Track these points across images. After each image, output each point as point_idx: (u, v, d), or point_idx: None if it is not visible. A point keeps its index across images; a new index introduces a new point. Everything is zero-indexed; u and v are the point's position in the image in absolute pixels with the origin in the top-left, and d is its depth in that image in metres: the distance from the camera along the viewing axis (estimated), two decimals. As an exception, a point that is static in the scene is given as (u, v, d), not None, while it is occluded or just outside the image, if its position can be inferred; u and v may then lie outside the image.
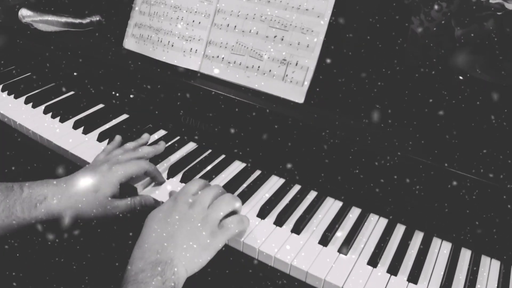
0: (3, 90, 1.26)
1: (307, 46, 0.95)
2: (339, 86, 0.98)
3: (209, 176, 0.97)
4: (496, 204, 0.79)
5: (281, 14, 0.97)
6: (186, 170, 0.98)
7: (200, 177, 0.96)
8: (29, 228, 0.83)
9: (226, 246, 0.85)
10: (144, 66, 1.10)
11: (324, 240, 0.84)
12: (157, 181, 0.95)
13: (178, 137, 1.10)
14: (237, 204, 0.83)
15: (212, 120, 1.03)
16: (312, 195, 0.95)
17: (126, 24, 1.15)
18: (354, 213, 0.92)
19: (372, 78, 0.99)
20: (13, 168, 1.25)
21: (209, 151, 1.06)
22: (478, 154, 0.83)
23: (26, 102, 1.20)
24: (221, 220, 0.80)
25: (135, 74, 1.11)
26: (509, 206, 0.79)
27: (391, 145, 0.86)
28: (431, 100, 0.96)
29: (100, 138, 1.07)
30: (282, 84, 0.97)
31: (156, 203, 0.90)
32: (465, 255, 0.84)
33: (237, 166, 1.02)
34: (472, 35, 0.94)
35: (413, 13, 1.11)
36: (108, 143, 1.03)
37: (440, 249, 0.85)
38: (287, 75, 0.97)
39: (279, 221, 0.87)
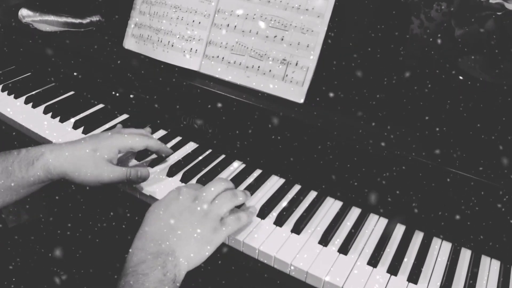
0: (3, 90, 1.26)
1: (307, 46, 0.95)
2: (339, 86, 0.98)
3: (209, 176, 0.97)
4: (496, 204, 0.79)
5: (281, 14, 0.97)
6: (186, 170, 0.98)
7: (200, 177, 0.96)
8: (28, 190, 0.83)
9: (226, 246, 0.85)
10: (144, 66, 1.10)
11: (324, 240, 0.84)
12: (164, 154, 0.97)
13: (178, 137, 1.10)
14: (241, 198, 0.83)
15: (212, 120, 1.03)
16: (312, 195, 0.95)
17: (126, 24, 1.15)
18: (354, 213, 0.92)
19: (372, 78, 0.99)
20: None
21: (209, 151, 1.06)
22: (478, 154, 0.83)
23: (26, 102, 1.20)
24: (222, 219, 0.79)
25: (135, 74, 1.11)
26: (509, 206, 0.79)
27: (391, 145, 0.86)
28: (431, 100, 0.96)
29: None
30: (282, 84, 0.97)
31: (154, 201, 0.90)
32: (465, 255, 0.84)
33: (237, 166, 1.02)
34: (472, 35, 0.94)
35: (413, 13, 1.11)
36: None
37: (440, 249, 0.85)
38: (287, 75, 0.97)
39: (279, 221, 0.87)
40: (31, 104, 1.19)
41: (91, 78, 1.20)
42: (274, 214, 0.89)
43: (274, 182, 0.98)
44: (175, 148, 1.06)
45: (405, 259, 0.82)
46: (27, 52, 1.32)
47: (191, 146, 1.07)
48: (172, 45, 1.07)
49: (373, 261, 0.81)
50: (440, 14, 1.09)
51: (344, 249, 0.83)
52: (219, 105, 1.00)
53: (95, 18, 1.28)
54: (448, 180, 0.81)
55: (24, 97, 1.22)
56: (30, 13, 1.22)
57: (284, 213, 0.89)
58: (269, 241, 0.83)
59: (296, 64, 0.96)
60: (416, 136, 0.88)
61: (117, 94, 1.16)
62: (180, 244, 0.73)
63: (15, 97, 1.22)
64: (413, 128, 0.90)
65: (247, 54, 1.00)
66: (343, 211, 0.91)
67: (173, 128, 1.11)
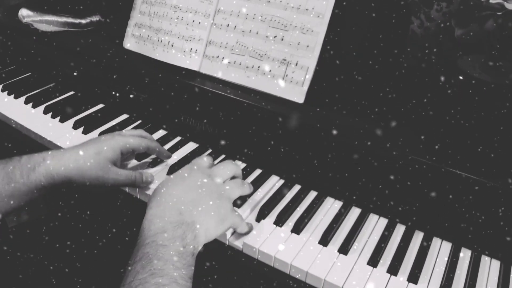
0: (3, 90, 1.26)
1: (307, 46, 0.95)
2: (339, 86, 0.98)
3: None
4: (496, 204, 0.79)
5: (281, 14, 0.97)
6: (186, 170, 0.98)
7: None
8: (30, 196, 0.81)
9: (226, 245, 0.85)
10: (144, 66, 1.10)
11: (324, 240, 0.84)
12: (163, 157, 0.96)
13: (178, 137, 1.10)
14: (246, 190, 0.84)
15: (212, 120, 1.03)
16: (312, 195, 0.95)
17: (126, 24, 1.15)
18: (354, 213, 0.92)
19: (372, 78, 0.99)
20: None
21: (209, 151, 1.06)
22: (478, 154, 0.83)
23: (26, 102, 1.20)
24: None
25: (135, 74, 1.11)
26: (509, 206, 0.79)
27: (391, 145, 0.86)
28: (431, 100, 0.96)
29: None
30: (282, 84, 0.97)
31: None
32: (465, 255, 0.84)
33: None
34: (472, 35, 0.94)
35: (413, 13, 1.11)
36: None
37: (440, 249, 0.85)
38: (287, 75, 0.97)
39: (279, 221, 0.87)
40: (31, 104, 1.19)
41: (91, 78, 1.20)
42: (274, 214, 0.89)
43: (274, 182, 0.98)
44: (175, 148, 1.06)
45: (405, 259, 0.82)
46: (27, 52, 1.32)
47: (191, 146, 1.07)
48: (172, 45, 1.07)
49: (373, 261, 0.81)
50: (440, 14, 1.09)
51: (344, 249, 0.83)
52: (219, 105, 1.00)
53: (95, 18, 1.28)
54: (448, 180, 0.81)
55: (24, 97, 1.22)
56: (30, 13, 1.22)
57: (284, 213, 0.89)
58: (269, 241, 0.83)
59: (296, 64, 0.96)
60: (416, 136, 0.88)
61: (117, 94, 1.16)
62: (201, 216, 0.71)
63: (15, 97, 1.22)
64: (413, 128, 0.90)
65: (247, 54, 1.00)
66: (343, 211, 0.91)
67: (173, 128, 1.11)
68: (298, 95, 0.96)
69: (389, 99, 0.98)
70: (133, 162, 1.00)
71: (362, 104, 0.96)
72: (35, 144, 1.11)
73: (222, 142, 1.04)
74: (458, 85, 0.93)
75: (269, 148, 0.98)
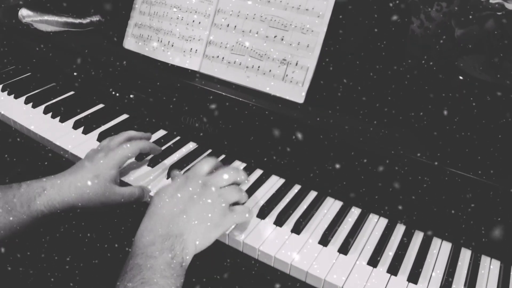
0: (3, 90, 1.26)
1: (307, 46, 0.95)
2: (339, 86, 0.98)
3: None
4: (496, 204, 0.79)
5: (281, 14, 0.97)
6: (186, 170, 0.98)
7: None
8: (31, 225, 0.81)
9: (226, 246, 0.85)
10: (144, 66, 1.10)
11: (324, 240, 0.84)
12: (155, 153, 0.97)
13: (178, 137, 1.10)
14: (245, 197, 0.84)
15: (212, 120, 1.03)
16: (312, 195, 0.95)
17: (126, 24, 1.15)
18: (354, 213, 0.92)
19: (372, 78, 0.99)
20: (17, 169, 1.25)
21: (209, 151, 1.06)
22: (478, 154, 0.83)
23: (26, 102, 1.20)
24: (230, 206, 0.80)
25: (135, 74, 1.11)
26: (509, 206, 0.79)
27: (391, 145, 0.86)
28: (431, 100, 0.96)
29: (100, 138, 1.07)
30: (282, 84, 0.97)
31: None
32: (465, 255, 0.84)
33: (237, 166, 1.02)
34: (472, 35, 0.94)
35: (413, 13, 1.11)
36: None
37: (440, 249, 0.85)
38: (287, 75, 0.97)
39: (279, 221, 0.87)
40: (31, 104, 1.19)
41: (91, 78, 1.20)
42: (274, 214, 0.89)
43: (274, 182, 0.98)
44: (175, 148, 1.06)
45: (405, 259, 0.82)
46: (27, 52, 1.32)
47: (191, 146, 1.07)
48: (172, 45, 1.07)
49: (373, 261, 0.81)
50: (440, 14, 1.09)
51: (344, 249, 0.83)
52: (219, 105, 1.00)
53: (95, 18, 1.28)
54: (448, 180, 0.81)
55: (24, 97, 1.22)
56: (30, 13, 1.22)
57: (284, 213, 0.89)
58: (269, 241, 0.83)
59: (296, 64, 0.96)
60: (416, 136, 0.88)
61: (117, 94, 1.16)
62: (188, 227, 0.73)
63: (15, 97, 1.22)
64: (413, 128, 0.90)
65: (247, 54, 1.00)
66: (343, 211, 0.91)
67: (173, 128, 1.11)
68: (298, 95, 0.96)
69: (389, 99, 0.98)
70: (131, 161, 1.00)
71: (362, 104, 0.96)
72: (35, 144, 1.11)
73: (222, 142, 1.04)
74: (458, 85, 0.93)
75: (269, 148, 0.98)
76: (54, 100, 1.21)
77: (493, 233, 0.81)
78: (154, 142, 1.06)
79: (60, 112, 1.15)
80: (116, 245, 1.04)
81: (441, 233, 0.87)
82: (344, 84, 0.97)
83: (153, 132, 1.10)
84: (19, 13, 1.23)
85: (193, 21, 1.05)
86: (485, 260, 0.83)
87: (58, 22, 1.24)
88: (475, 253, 0.84)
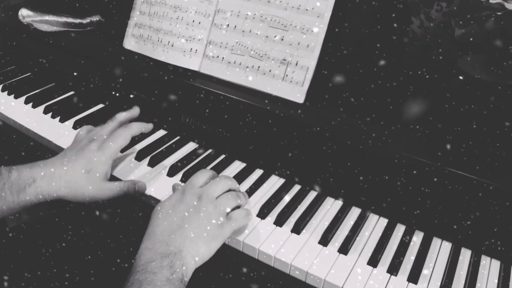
0: (3, 90, 1.26)
1: (307, 46, 0.95)
2: (339, 86, 0.98)
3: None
4: (497, 204, 0.79)
5: (281, 14, 0.97)
6: (186, 170, 0.98)
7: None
8: (19, 212, 0.83)
9: (226, 245, 0.85)
10: (144, 66, 1.10)
11: (324, 240, 0.84)
12: (147, 131, 0.97)
13: (178, 137, 1.10)
14: (243, 200, 0.85)
15: (212, 120, 1.03)
16: (312, 195, 0.95)
17: (126, 24, 1.15)
18: (354, 213, 0.92)
19: (372, 78, 0.99)
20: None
21: (209, 151, 1.06)
22: (478, 154, 0.83)
23: (26, 102, 1.20)
24: (228, 214, 0.80)
25: (135, 74, 1.11)
26: (509, 206, 0.79)
27: (391, 145, 0.86)
28: (431, 100, 0.96)
29: (100, 138, 1.07)
30: (282, 84, 0.97)
31: (155, 202, 0.91)
32: (465, 255, 0.84)
33: (237, 166, 1.02)
34: (472, 35, 0.94)
35: (413, 13, 1.11)
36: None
37: (440, 249, 0.85)
38: (287, 75, 0.97)
39: (279, 221, 0.87)
40: (31, 104, 1.19)
41: (91, 78, 1.20)
42: (274, 214, 0.89)
43: (274, 182, 0.98)
44: (175, 148, 1.06)
45: (405, 259, 0.82)
46: (27, 52, 1.32)
47: (191, 146, 1.07)
48: (172, 45, 1.07)
49: (373, 261, 0.81)
50: (440, 14, 1.09)
51: (344, 249, 0.83)
52: (219, 105, 1.00)
53: (95, 18, 1.28)
54: (448, 180, 0.81)
55: (24, 97, 1.22)
56: (30, 13, 1.22)
57: (284, 213, 0.89)
58: (269, 241, 0.83)
59: (296, 64, 0.96)
60: (416, 136, 0.88)
61: (117, 94, 1.16)
62: (186, 244, 0.73)
63: (15, 97, 1.22)
64: (413, 128, 0.90)
65: (247, 54, 1.00)
66: (343, 211, 0.91)
67: (173, 128, 1.11)
68: (298, 95, 0.96)
69: (388, 99, 0.98)
70: (132, 162, 1.00)
71: (362, 104, 0.96)
72: (35, 144, 1.11)
73: (222, 142, 1.04)
74: (458, 85, 0.93)
75: (269, 148, 0.98)
76: (54, 100, 1.21)
77: (493, 233, 0.81)
78: (154, 142, 1.07)
79: (60, 112, 1.15)
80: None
81: (441, 233, 0.87)
82: (344, 84, 0.97)
83: (153, 132, 1.10)
84: (19, 13, 1.23)
85: (193, 21, 1.05)
86: (485, 260, 0.83)
87: (58, 22, 1.24)
88: (475, 253, 0.84)
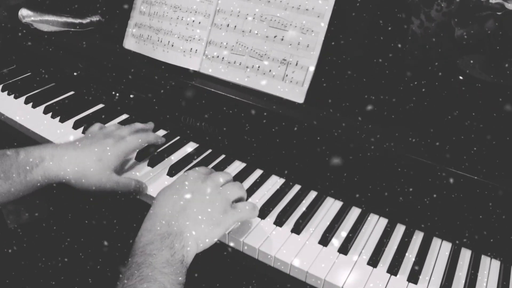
0: (3, 90, 1.26)
1: (307, 46, 0.95)
2: (339, 86, 0.98)
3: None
4: (496, 204, 0.79)
5: (281, 14, 0.97)
6: (186, 170, 0.98)
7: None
8: (26, 193, 0.81)
9: (226, 245, 0.85)
10: (144, 66, 1.10)
11: (324, 240, 0.84)
12: (159, 143, 0.98)
13: (178, 137, 1.10)
14: (245, 194, 0.84)
15: (212, 120, 1.03)
16: (312, 195, 0.95)
17: (126, 24, 1.15)
18: (354, 213, 0.92)
19: (372, 78, 0.99)
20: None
21: (209, 151, 1.06)
22: (478, 154, 0.83)
23: (26, 102, 1.20)
24: (232, 203, 0.79)
25: (135, 74, 1.11)
26: (509, 206, 0.79)
27: (391, 144, 0.86)
28: (431, 100, 0.96)
29: (100, 138, 1.07)
30: (282, 84, 0.97)
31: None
32: (465, 255, 0.84)
33: (237, 166, 1.02)
34: (472, 35, 0.94)
35: (413, 13, 1.11)
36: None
37: (440, 249, 0.85)
38: (287, 75, 0.97)
39: (279, 221, 0.87)
40: (31, 104, 1.19)
41: (91, 78, 1.20)
42: (274, 214, 0.89)
43: (274, 182, 0.98)
44: (175, 148, 1.06)
45: (405, 259, 0.82)
46: (27, 52, 1.32)
47: (191, 146, 1.07)
48: (172, 45, 1.07)
49: (373, 261, 0.81)
50: (440, 14, 1.09)
51: (344, 249, 0.83)
52: (219, 105, 1.00)
53: (95, 18, 1.28)
54: (448, 180, 0.81)
55: (24, 97, 1.22)
56: (30, 13, 1.22)
57: (284, 213, 0.89)
58: (269, 241, 0.83)
59: (296, 64, 0.96)
60: (416, 136, 0.88)
61: (117, 94, 1.16)
62: (189, 225, 0.72)
63: (15, 97, 1.22)
64: (413, 128, 0.90)
65: (247, 54, 1.00)
66: (343, 211, 0.91)
67: (173, 128, 1.11)
68: (298, 95, 0.96)
69: (389, 99, 0.98)
70: (132, 162, 1.00)
71: (362, 104, 0.96)
72: (36, 144, 1.11)
73: (222, 142, 1.04)
74: (458, 85, 0.93)
75: (269, 148, 0.98)
76: (54, 100, 1.21)
77: (493, 233, 0.81)
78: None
79: (60, 112, 1.15)
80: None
81: (441, 233, 0.87)
82: (344, 84, 0.97)
83: (153, 132, 1.10)
84: (19, 13, 1.23)
85: (193, 21, 1.05)
86: (485, 260, 0.83)
87: (58, 22, 1.24)
88: (475, 253, 0.84)
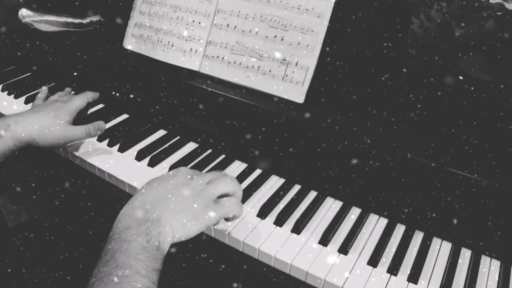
0: (3, 90, 1.26)
1: (307, 46, 0.95)
2: (339, 86, 0.98)
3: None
4: (496, 204, 0.79)
5: (281, 14, 0.97)
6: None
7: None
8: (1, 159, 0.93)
9: (226, 246, 0.85)
10: (144, 66, 1.10)
11: (324, 240, 0.84)
12: (95, 98, 1.10)
13: (178, 137, 1.10)
14: (237, 188, 0.81)
15: (212, 120, 1.03)
16: (312, 195, 0.95)
17: (126, 24, 1.15)
18: (354, 213, 0.92)
19: (372, 78, 0.99)
20: (19, 165, 1.25)
21: (209, 151, 1.06)
22: (478, 154, 0.83)
23: (26, 102, 1.20)
24: (218, 199, 0.78)
25: (135, 74, 1.11)
26: (509, 206, 0.79)
27: (391, 145, 0.86)
28: (431, 100, 0.96)
29: (100, 138, 1.07)
30: (282, 84, 0.97)
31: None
32: (465, 255, 0.84)
33: (237, 166, 1.02)
34: (472, 35, 0.94)
35: (413, 13, 1.11)
36: (109, 146, 1.05)
37: (440, 249, 0.85)
38: (287, 75, 0.97)
39: (279, 221, 0.87)
40: (31, 104, 1.19)
41: (91, 78, 1.20)
42: (274, 214, 0.89)
43: (274, 182, 0.98)
44: (175, 148, 1.06)
45: (405, 259, 0.82)
46: (27, 52, 1.32)
47: (191, 146, 1.07)
48: (172, 45, 1.07)
49: (373, 261, 0.81)
50: (440, 14, 1.09)
51: (344, 249, 0.83)
52: (219, 105, 1.00)
53: (95, 18, 1.28)
54: (448, 180, 0.81)
55: (24, 97, 1.22)
56: (30, 13, 1.22)
57: (284, 213, 0.89)
58: (269, 241, 0.83)
59: (296, 64, 0.96)
60: (416, 136, 0.88)
61: (117, 94, 1.16)
62: (167, 213, 0.72)
63: (15, 97, 1.22)
64: (413, 128, 0.90)
65: (247, 54, 1.00)
66: (343, 211, 0.91)
67: (173, 128, 1.11)
68: (298, 95, 0.96)
69: (388, 99, 0.98)
70: (132, 162, 1.00)
71: (362, 104, 0.96)
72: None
73: (222, 142, 1.04)
74: (458, 85, 0.93)
75: (269, 148, 0.98)
76: (54, 100, 1.21)
77: (493, 233, 0.81)
78: (154, 142, 1.07)
79: (60, 112, 1.15)
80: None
81: (441, 233, 0.87)
82: (344, 84, 0.97)
83: (153, 132, 1.10)
84: (19, 13, 1.23)
85: (193, 21, 1.05)
86: (485, 260, 0.83)
87: (58, 22, 1.24)
88: (475, 253, 0.84)
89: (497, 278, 0.80)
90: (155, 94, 1.10)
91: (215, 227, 0.85)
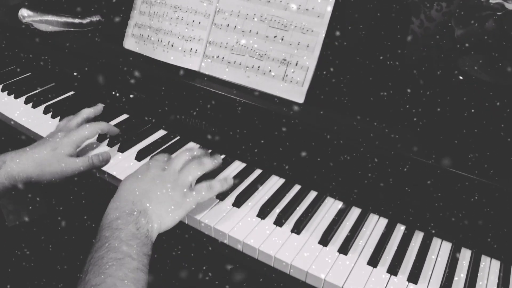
0: (3, 90, 1.26)
1: (307, 46, 0.95)
2: (339, 86, 0.98)
3: (210, 176, 0.97)
4: (496, 204, 0.79)
5: (281, 14, 0.97)
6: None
7: (201, 177, 0.97)
8: None
9: (226, 246, 0.85)
10: (144, 66, 1.10)
11: (324, 240, 0.84)
12: (113, 134, 1.05)
13: (178, 137, 1.10)
14: (208, 166, 0.88)
15: (212, 120, 1.03)
16: (312, 195, 0.95)
17: (126, 24, 1.15)
18: (354, 213, 0.92)
19: (372, 78, 0.99)
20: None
21: (209, 151, 1.05)
22: (478, 154, 0.83)
23: (26, 102, 1.20)
24: (192, 185, 0.86)
25: (135, 74, 1.11)
26: (509, 206, 0.79)
27: (391, 144, 0.86)
28: (431, 100, 0.96)
29: (100, 139, 1.07)
30: (282, 84, 0.97)
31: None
32: (465, 255, 0.84)
33: (237, 166, 1.02)
34: (472, 35, 0.94)
35: (413, 13, 1.11)
36: (109, 146, 1.05)
37: (440, 249, 0.85)
38: (287, 75, 0.97)
39: (279, 221, 0.87)
40: (31, 104, 1.19)
41: (91, 78, 1.20)
42: (274, 214, 0.89)
43: (274, 182, 0.98)
44: (176, 148, 1.06)
45: (405, 259, 0.82)
46: (27, 52, 1.32)
47: (191, 146, 1.07)
48: (172, 45, 1.07)
49: (373, 261, 0.81)
50: (440, 14, 1.09)
51: (344, 249, 0.83)
52: (219, 105, 1.00)
53: (95, 18, 1.28)
54: (448, 180, 0.81)
55: (24, 97, 1.22)
56: (30, 13, 1.22)
57: (284, 213, 0.89)
58: (269, 241, 0.83)
59: (296, 64, 0.96)
60: (416, 136, 0.88)
61: (117, 94, 1.16)
62: (151, 204, 0.79)
63: (15, 97, 1.22)
64: (413, 128, 0.90)
65: (247, 54, 1.00)
66: (343, 211, 0.91)
67: (173, 128, 1.11)
68: (298, 95, 0.96)
69: (389, 99, 0.98)
70: (132, 162, 1.00)
71: (362, 104, 0.96)
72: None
73: (222, 142, 1.04)
74: (458, 85, 0.93)
75: (269, 148, 0.98)
76: (54, 100, 1.21)
77: (493, 233, 0.81)
78: (154, 142, 1.07)
79: (60, 112, 1.15)
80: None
81: (441, 233, 0.87)
82: (344, 84, 0.97)
83: (153, 132, 1.10)
84: (19, 13, 1.23)
85: (193, 21, 1.05)
86: (485, 260, 0.83)
87: (58, 22, 1.24)
88: (475, 253, 0.84)
89: (497, 278, 0.80)
90: (155, 94, 1.10)
91: (215, 227, 0.85)
